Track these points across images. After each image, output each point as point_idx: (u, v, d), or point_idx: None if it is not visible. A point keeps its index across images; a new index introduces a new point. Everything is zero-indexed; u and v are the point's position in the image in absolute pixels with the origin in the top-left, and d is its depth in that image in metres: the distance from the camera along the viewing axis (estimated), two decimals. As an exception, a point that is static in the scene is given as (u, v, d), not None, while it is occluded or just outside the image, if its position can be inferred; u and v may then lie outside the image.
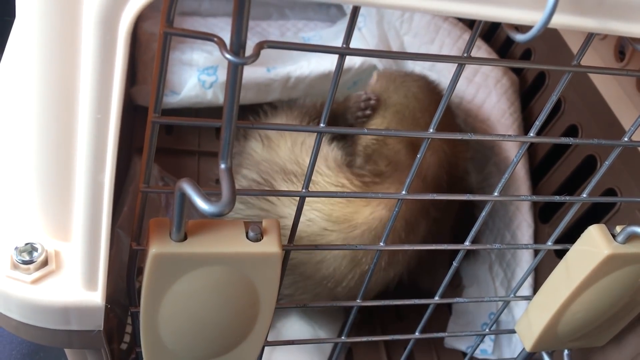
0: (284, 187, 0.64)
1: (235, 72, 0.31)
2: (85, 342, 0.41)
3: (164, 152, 0.87)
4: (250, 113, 0.79)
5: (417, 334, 0.54)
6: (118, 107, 0.30)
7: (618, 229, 0.46)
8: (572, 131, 0.76)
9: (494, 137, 0.45)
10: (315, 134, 0.37)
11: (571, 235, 0.50)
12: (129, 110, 0.85)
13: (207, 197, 0.33)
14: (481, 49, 0.87)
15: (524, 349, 0.54)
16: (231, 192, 0.33)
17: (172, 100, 0.86)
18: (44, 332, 0.40)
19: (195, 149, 0.91)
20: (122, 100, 0.30)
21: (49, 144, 0.34)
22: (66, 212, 0.37)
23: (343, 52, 0.32)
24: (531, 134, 0.40)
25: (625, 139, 0.42)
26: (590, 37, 0.35)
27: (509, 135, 0.46)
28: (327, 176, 0.65)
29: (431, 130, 0.38)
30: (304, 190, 0.40)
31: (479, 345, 0.60)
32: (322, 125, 0.37)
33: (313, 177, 0.64)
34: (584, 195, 0.46)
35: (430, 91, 0.77)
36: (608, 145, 0.43)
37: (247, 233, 0.39)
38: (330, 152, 0.68)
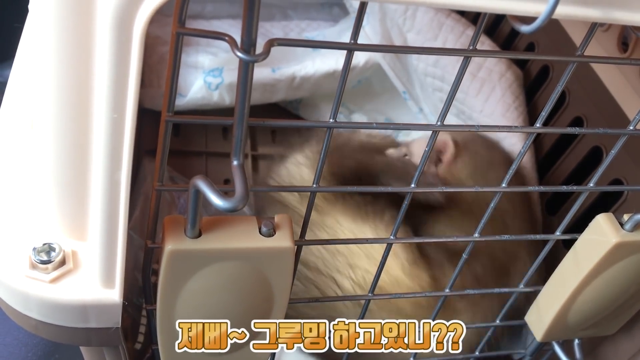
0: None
1: (246, 70, 0.31)
2: (103, 340, 0.41)
3: (172, 153, 0.86)
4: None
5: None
6: (134, 106, 0.31)
7: (625, 217, 0.46)
8: (577, 123, 0.76)
9: (502, 129, 0.45)
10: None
11: (579, 226, 0.50)
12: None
13: (221, 193, 0.33)
14: (484, 44, 0.88)
15: (534, 339, 0.55)
16: (244, 188, 0.34)
17: (178, 102, 0.87)
18: (63, 331, 0.40)
19: (203, 150, 0.91)
20: (137, 100, 0.31)
21: (65, 144, 0.35)
22: (83, 211, 0.38)
23: (351, 47, 0.33)
24: (537, 125, 0.41)
25: (631, 128, 0.42)
26: (594, 27, 0.35)
27: (516, 127, 0.46)
28: (401, 283, 0.60)
29: (439, 123, 0.39)
30: (314, 186, 0.41)
31: (489, 337, 0.60)
32: (331, 120, 0.37)
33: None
34: (591, 185, 0.47)
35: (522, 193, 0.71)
36: (613, 135, 0.44)
37: (260, 229, 0.40)
38: (400, 252, 0.62)
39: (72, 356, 0.66)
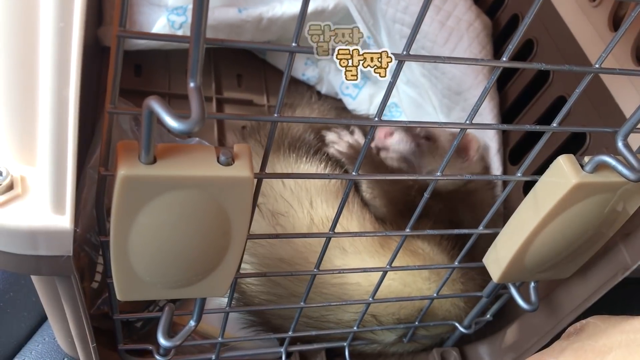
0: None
1: (202, -16, 0.30)
2: (54, 268, 0.40)
3: (134, 94, 0.86)
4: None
5: (388, 266, 0.54)
6: (81, 15, 0.29)
7: (586, 159, 0.47)
8: (544, 74, 0.76)
9: (466, 62, 0.44)
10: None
11: (541, 173, 0.50)
12: (96, 51, 0.82)
13: (176, 115, 0.32)
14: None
15: (491, 280, 0.55)
16: (201, 110, 0.33)
17: (141, 41, 0.84)
18: (12, 258, 0.39)
19: (166, 91, 0.89)
20: (85, 8, 0.29)
21: (11, 60, 0.33)
22: (31, 134, 0.36)
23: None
24: (503, 59, 0.40)
25: (596, 66, 0.42)
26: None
27: (482, 59, 0.45)
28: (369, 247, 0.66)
29: (404, 52, 0.38)
30: (275, 115, 0.40)
31: (447, 279, 0.61)
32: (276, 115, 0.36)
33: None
34: (554, 125, 0.46)
35: None
36: (579, 74, 0.44)
37: (218, 157, 0.38)
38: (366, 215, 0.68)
39: (27, 293, 0.65)
